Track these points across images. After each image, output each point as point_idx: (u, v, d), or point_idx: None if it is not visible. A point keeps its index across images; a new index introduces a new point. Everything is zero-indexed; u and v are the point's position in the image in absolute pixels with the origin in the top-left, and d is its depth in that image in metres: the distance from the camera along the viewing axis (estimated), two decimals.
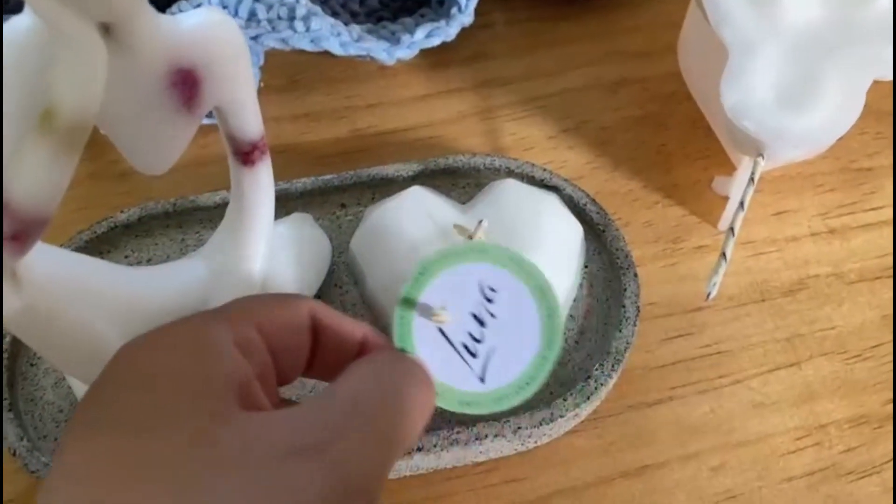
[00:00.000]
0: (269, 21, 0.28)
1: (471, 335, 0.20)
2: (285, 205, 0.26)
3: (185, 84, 0.18)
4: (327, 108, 0.30)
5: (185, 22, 0.17)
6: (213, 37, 0.18)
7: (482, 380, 0.20)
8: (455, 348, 0.20)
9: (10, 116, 0.16)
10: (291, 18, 0.28)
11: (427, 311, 0.20)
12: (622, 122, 0.30)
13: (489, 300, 0.20)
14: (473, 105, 0.30)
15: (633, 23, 0.33)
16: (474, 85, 0.31)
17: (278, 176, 0.24)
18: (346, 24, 0.30)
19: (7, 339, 0.23)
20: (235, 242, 0.22)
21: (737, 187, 0.25)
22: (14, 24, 0.16)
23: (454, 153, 0.27)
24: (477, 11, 0.30)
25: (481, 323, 0.20)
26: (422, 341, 0.20)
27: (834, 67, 0.24)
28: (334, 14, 0.30)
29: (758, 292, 0.26)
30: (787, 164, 0.28)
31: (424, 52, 0.29)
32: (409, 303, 0.20)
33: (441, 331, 0.20)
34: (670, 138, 0.29)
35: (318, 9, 0.29)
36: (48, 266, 0.18)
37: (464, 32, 0.30)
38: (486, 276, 0.20)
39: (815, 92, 0.23)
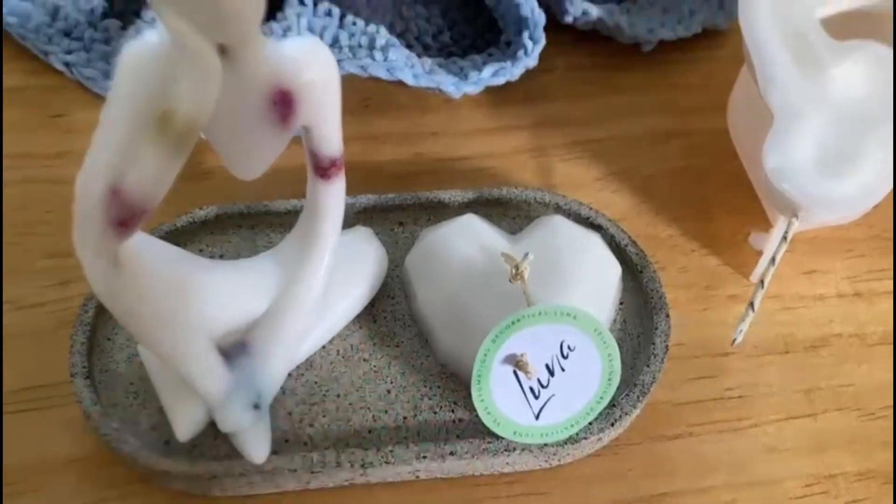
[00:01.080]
0: (350, 48, 0.30)
1: (539, 381, 0.23)
2: (349, 218, 0.28)
3: (283, 103, 0.20)
4: (394, 133, 0.32)
5: (287, 49, 0.20)
6: (311, 63, 0.20)
7: (536, 417, 0.23)
8: (522, 389, 0.23)
9: (132, 116, 0.18)
10: (371, 47, 0.30)
11: (509, 357, 0.22)
12: (668, 171, 0.32)
13: (564, 357, 0.23)
14: (529, 142, 0.32)
15: (689, 79, 0.35)
16: (531, 123, 0.33)
17: (345, 191, 0.26)
18: (418, 56, 0.32)
19: (90, 314, 0.25)
20: (305, 248, 0.24)
21: (771, 243, 0.27)
22: (145, 37, 0.18)
23: (507, 185, 0.29)
24: (542, 55, 0.33)
25: (551, 373, 0.23)
26: (496, 376, 0.22)
27: (873, 140, 0.26)
28: (409, 46, 0.33)
29: (782, 344, 0.27)
30: (820, 227, 0.29)
31: (488, 89, 0.31)
32: (497, 342, 0.22)
33: (516, 372, 0.22)
34: (713, 191, 0.31)
35: (395, 41, 0.31)
36: (143, 251, 0.20)
37: (528, 73, 0.32)
38: (570, 335, 0.22)
39: (854, 162, 0.25)
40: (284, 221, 0.28)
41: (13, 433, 0.25)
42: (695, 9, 0.35)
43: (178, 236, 0.27)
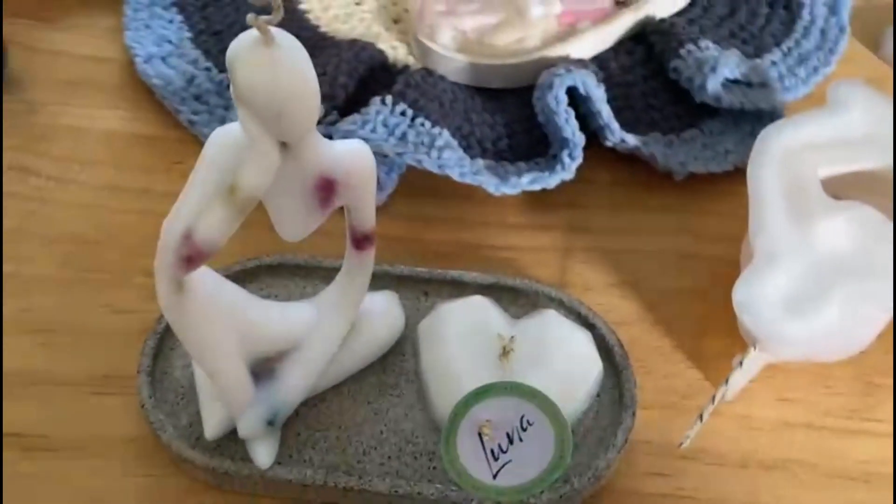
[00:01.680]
0: (414, 144, 0.36)
1: (499, 446, 0.27)
2: (385, 281, 0.33)
3: (325, 189, 0.26)
4: (437, 216, 0.37)
5: (336, 147, 0.26)
6: (353, 161, 0.26)
7: (494, 477, 0.27)
8: (484, 450, 0.27)
9: (209, 181, 0.24)
10: (431, 146, 0.36)
11: (476, 420, 0.26)
12: (675, 288, 0.35)
13: (524, 429, 0.27)
14: (554, 242, 0.37)
15: (715, 208, 0.38)
16: (562, 225, 0.37)
17: (386, 259, 0.32)
18: (473, 156, 0.38)
19: (162, 325, 0.31)
20: (337, 302, 0.30)
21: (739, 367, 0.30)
22: (227, 128, 0.24)
23: (523, 276, 0.34)
24: (588, 167, 0.37)
25: (511, 441, 0.27)
26: (462, 435, 0.27)
27: (845, 292, 0.29)
28: (469, 146, 0.38)
29: (740, 458, 0.30)
30: (803, 361, 0.32)
31: (532, 191, 0.36)
32: (467, 405, 0.27)
33: (480, 435, 0.27)
34: (712, 314, 0.34)
35: (453, 143, 0.37)
36: (205, 282, 0.26)
37: (571, 181, 0.37)
38: (530, 412, 0.27)
39: (818, 307, 0.28)
40: (330, 276, 0.33)
41: (90, 409, 0.31)
42: (730, 149, 0.39)
43: (246, 275, 0.34)
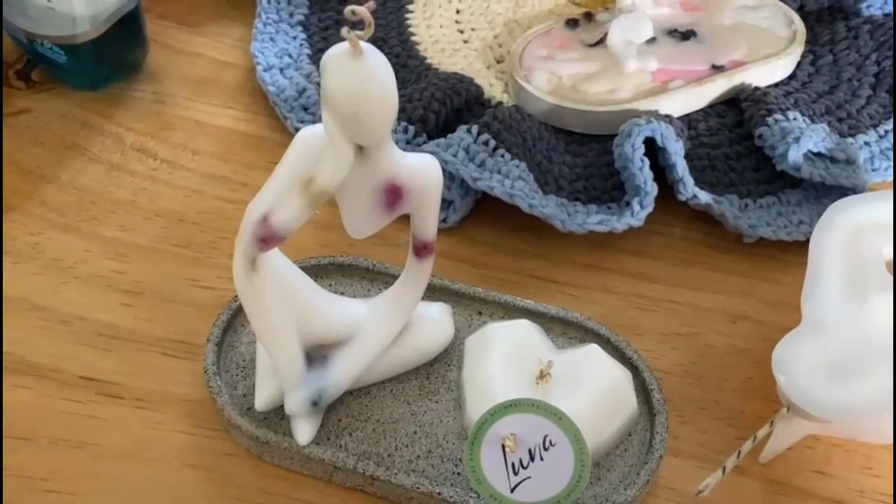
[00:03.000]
0: (490, 171, 0.38)
1: (521, 461, 0.28)
2: (443, 295, 0.35)
3: (393, 194, 0.28)
4: (506, 244, 0.39)
5: (408, 157, 0.28)
6: (422, 173, 0.28)
7: (512, 490, 0.28)
8: (506, 462, 0.28)
9: (290, 175, 0.27)
10: (505, 176, 0.38)
11: (501, 432, 0.28)
12: (728, 347, 0.36)
13: (545, 449, 0.28)
14: (615, 285, 0.38)
15: (779, 276, 0.38)
16: (626, 270, 0.38)
17: (451, 276, 0.34)
18: (547, 192, 0.39)
19: (236, 303, 0.34)
20: (393, 304, 0.32)
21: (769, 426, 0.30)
22: (312, 128, 0.27)
23: (576, 311, 0.35)
24: (663, 219, 0.38)
25: (532, 458, 0.28)
26: (486, 445, 0.28)
27: (886, 372, 0.28)
28: (546, 183, 0.40)
29: None
30: (849, 438, 0.32)
31: (609, 233, 0.37)
32: (494, 416, 0.28)
33: (503, 447, 0.28)
34: (759, 375, 0.34)
35: (529, 177, 0.38)
36: (277, 264, 0.29)
37: (644, 230, 0.38)
38: (553, 433, 0.28)
39: (856, 382, 0.28)
40: (393, 282, 0.35)
41: (160, 367, 0.34)
42: (804, 220, 0.39)
43: (319, 269, 0.36)
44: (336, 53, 0.24)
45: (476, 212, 0.40)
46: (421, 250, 0.30)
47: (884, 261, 0.31)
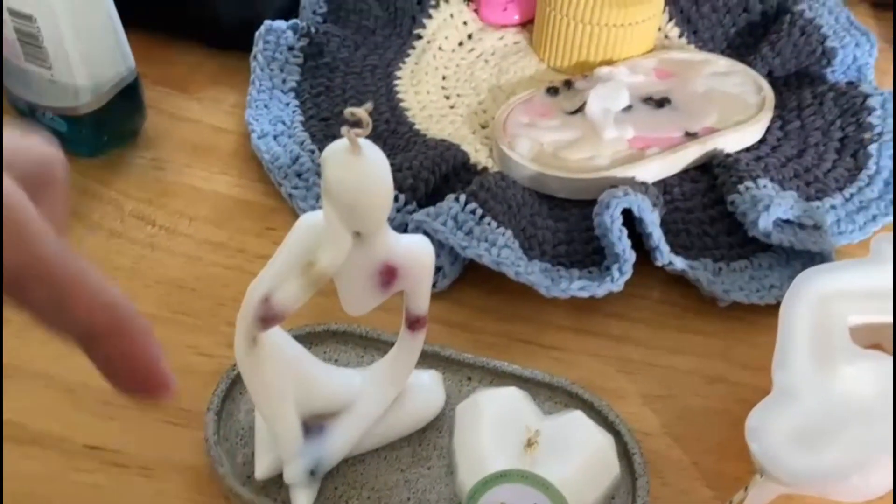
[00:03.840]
0: (478, 240, 0.40)
1: None
2: (435, 361, 0.37)
3: (388, 274, 0.29)
4: (494, 308, 0.41)
5: (403, 239, 0.30)
6: (415, 254, 0.30)
7: None
8: None
9: (291, 257, 0.28)
10: (493, 244, 0.40)
11: (492, 501, 0.29)
12: (704, 408, 0.37)
13: None
14: (598, 348, 0.40)
15: (755, 338, 0.40)
16: (606, 334, 0.40)
17: (439, 341, 0.35)
18: (532, 257, 0.41)
19: (235, 372, 0.36)
20: (388, 372, 0.33)
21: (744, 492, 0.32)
22: (313, 214, 0.28)
23: (562, 376, 0.36)
24: (642, 282, 0.40)
25: None
26: None
27: (853, 436, 0.30)
28: (530, 247, 0.42)
29: None
30: (821, 498, 0.34)
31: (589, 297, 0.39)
32: (485, 486, 0.30)
33: None
34: (736, 436, 0.36)
35: (515, 244, 0.40)
36: (276, 340, 0.30)
37: (623, 293, 0.40)
38: (541, 501, 0.30)
39: (824, 447, 0.30)
40: (387, 349, 0.37)
41: (162, 435, 0.35)
42: (775, 284, 0.41)
43: (314, 337, 0.38)
44: (336, 149, 0.26)
45: (465, 276, 0.42)
46: (414, 323, 0.32)
47: (848, 329, 0.33)
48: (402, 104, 0.52)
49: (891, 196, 0.46)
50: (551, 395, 0.36)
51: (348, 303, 0.30)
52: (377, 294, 0.30)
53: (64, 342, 0.21)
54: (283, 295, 0.28)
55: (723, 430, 0.37)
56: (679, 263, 0.40)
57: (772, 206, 0.41)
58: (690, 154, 0.47)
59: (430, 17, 0.57)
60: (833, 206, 0.45)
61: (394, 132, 0.50)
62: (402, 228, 0.41)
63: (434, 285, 0.41)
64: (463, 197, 0.41)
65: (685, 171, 0.47)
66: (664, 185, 0.46)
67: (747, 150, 0.48)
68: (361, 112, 0.26)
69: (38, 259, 0.19)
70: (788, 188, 0.45)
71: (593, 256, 0.42)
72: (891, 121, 0.48)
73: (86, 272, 0.20)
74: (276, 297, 0.28)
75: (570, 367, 0.39)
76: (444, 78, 0.54)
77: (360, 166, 0.26)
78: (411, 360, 0.33)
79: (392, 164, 0.44)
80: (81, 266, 0.20)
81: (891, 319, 0.34)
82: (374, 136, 0.48)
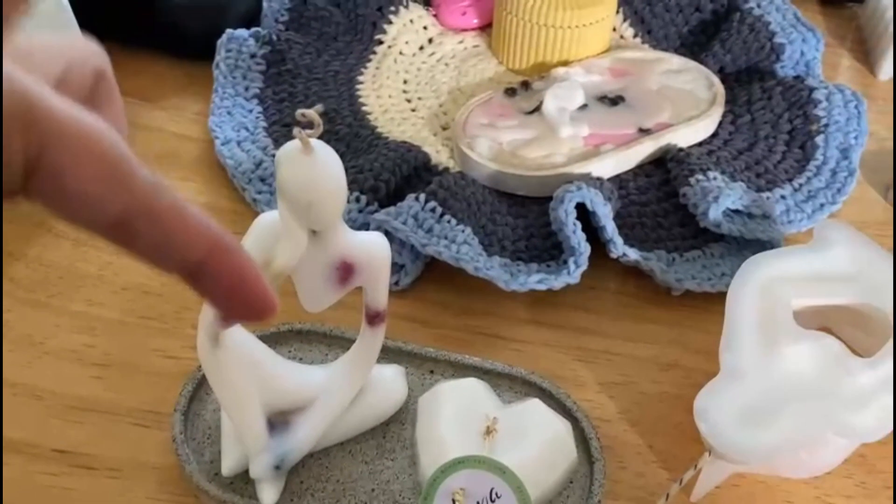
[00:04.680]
0: (438, 237, 0.41)
1: None
2: (397, 356, 0.38)
3: (345, 271, 0.30)
4: (456, 303, 0.42)
5: (358, 236, 0.31)
6: (371, 250, 0.31)
7: None
8: None
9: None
10: (452, 241, 0.41)
11: (451, 487, 0.30)
12: (660, 394, 0.39)
13: (492, 500, 0.31)
14: (557, 339, 0.41)
15: (708, 325, 0.41)
16: (564, 325, 0.41)
17: (404, 336, 0.36)
18: (491, 253, 0.42)
19: (201, 373, 0.36)
20: (351, 367, 0.34)
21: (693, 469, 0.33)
22: (269, 214, 0.29)
23: (523, 367, 0.38)
24: (598, 275, 0.42)
25: None
26: (438, 500, 0.31)
27: (797, 412, 0.32)
28: (490, 244, 0.43)
29: None
30: (773, 475, 0.35)
31: (546, 290, 0.40)
32: (444, 472, 0.31)
33: (453, 501, 0.30)
34: (690, 419, 0.37)
35: (473, 240, 0.41)
36: (238, 339, 0.31)
37: (580, 285, 0.41)
38: (499, 486, 0.31)
39: (770, 424, 0.31)
40: (350, 346, 0.38)
41: (130, 437, 0.36)
42: (727, 272, 0.42)
43: (279, 337, 0.38)
44: (289, 149, 0.27)
45: (427, 273, 0.43)
46: (373, 318, 0.33)
47: (792, 311, 0.35)
48: (364, 108, 0.53)
49: (837, 185, 0.48)
50: (511, 385, 0.37)
51: (307, 299, 0.31)
52: (335, 290, 0.31)
53: (170, 276, 0.20)
54: None
55: (677, 414, 0.38)
56: (633, 255, 0.42)
57: (721, 197, 0.42)
58: (644, 149, 0.48)
59: (390, 22, 0.58)
60: (783, 196, 0.47)
61: (356, 135, 0.50)
62: (364, 228, 0.42)
63: (396, 283, 0.42)
64: (423, 196, 0.42)
65: (640, 167, 0.49)
66: (619, 181, 0.48)
67: (700, 144, 0.50)
68: (312, 113, 0.27)
69: (139, 197, 0.19)
70: (739, 180, 0.46)
71: (552, 251, 0.43)
72: (836, 112, 0.50)
73: (177, 198, 0.19)
74: None
75: (530, 358, 0.40)
76: (405, 82, 0.55)
77: (312, 165, 0.27)
78: (372, 354, 0.34)
79: (354, 167, 0.46)
80: (172, 192, 0.19)
81: (834, 301, 0.36)
82: (337, 139, 0.50)
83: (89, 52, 0.22)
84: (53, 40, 0.21)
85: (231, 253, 0.21)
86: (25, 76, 0.17)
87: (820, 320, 0.38)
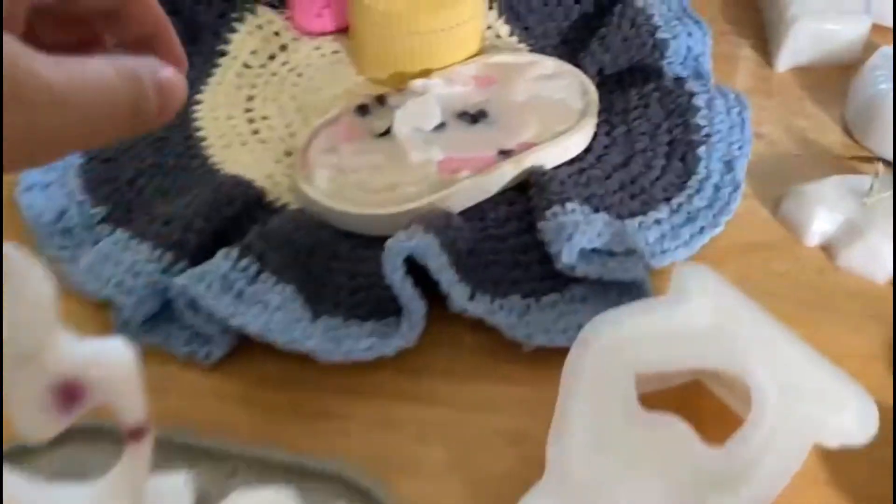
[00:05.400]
0: (247, 305, 0.35)
1: None
2: (190, 456, 0.32)
3: (69, 395, 0.25)
4: (274, 376, 0.36)
5: (85, 348, 0.25)
6: (103, 364, 0.25)
7: None
8: None
9: None
10: (265, 307, 0.35)
11: None
12: (507, 476, 0.33)
13: None
14: (392, 414, 0.35)
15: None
16: (403, 394, 0.36)
17: (211, 419, 0.34)
18: (319, 313, 0.37)
19: None
20: (117, 489, 0.29)
21: None
22: None
23: (347, 451, 0.32)
24: (439, 328, 0.36)
25: None
26: None
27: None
28: (320, 298, 0.37)
29: None
30: None
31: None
32: None
33: None
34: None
35: (295, 303, 0.36)
36: None
37: (432, 344, 0.36)
38: None
39: None
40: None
41: None
42: (583, 323, 0.37)
43: (53, 439, 0.33)
44: None
45: (241, 341, 0.37)
46: (133, 435, 0.28)
47: (636, 389, 0.30)
48: (198, 133, 0.47)
49: (720, 203, 0.43)
50: (325, 486, 0.32)
51: (25, 430, 0.26)
52: (60, 418, 0.25)
53: None
54: None
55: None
56: (475, 309, 0.36)
57: (575, 235, 0.37)
58: (505, 175, 0.43)
59: (234, 30, 0.51)
60: (657, 221, 0.42)
61: (185, 168, 0.44)
62: (164, 294, 0.36)
63: (206, 357, 0.36)
64: (235, 252, 0.37)
65: (502, 193, 0.43)
66: (481, 211, 0.42)
67: (571, 162, 0.44)
68: None
69: None
70: (610, 204, 0.41)
71: (395, 303, 0.38)
72: (718, 120, 0.45)
73: None
74: None
75: (359, 440, 0.35)
76: (249, 99, 0.49)
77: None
78: (142, 470, 0.29)
79: (159, 217, 0.39)
80: None
81: (694, 365, 0.31)
82: (163, 174, 0.44)
83: None
84: None
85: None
86: None
87: (690, 373, 0.33)
